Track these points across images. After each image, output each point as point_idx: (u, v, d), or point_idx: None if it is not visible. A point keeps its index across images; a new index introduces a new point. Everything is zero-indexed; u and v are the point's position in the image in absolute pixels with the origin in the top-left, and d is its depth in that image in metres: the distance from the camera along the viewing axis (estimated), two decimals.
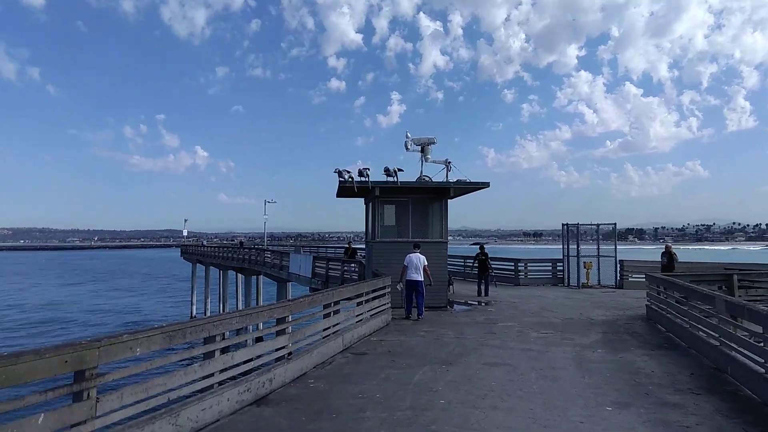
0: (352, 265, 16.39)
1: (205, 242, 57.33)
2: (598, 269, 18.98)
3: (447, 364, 7.28)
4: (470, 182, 13.16)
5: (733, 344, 6.64)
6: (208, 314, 33.50)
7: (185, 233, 68.45)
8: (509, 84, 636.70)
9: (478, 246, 16.72)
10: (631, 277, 18.67)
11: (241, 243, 48.38)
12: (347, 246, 21.03)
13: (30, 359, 3.28)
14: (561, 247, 19.72)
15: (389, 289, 11.00)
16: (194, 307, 37.10)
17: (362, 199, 15.01)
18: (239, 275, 33.89)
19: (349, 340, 8.47)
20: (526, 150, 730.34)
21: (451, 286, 15.67)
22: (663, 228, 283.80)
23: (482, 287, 15.92)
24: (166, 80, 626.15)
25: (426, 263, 11.31)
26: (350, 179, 12.67)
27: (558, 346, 8.60)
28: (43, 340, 25.99)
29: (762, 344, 5.73)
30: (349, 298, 8.95)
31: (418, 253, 11.41)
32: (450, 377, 6.59)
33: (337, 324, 8.15)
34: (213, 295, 37.12)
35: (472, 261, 17.55)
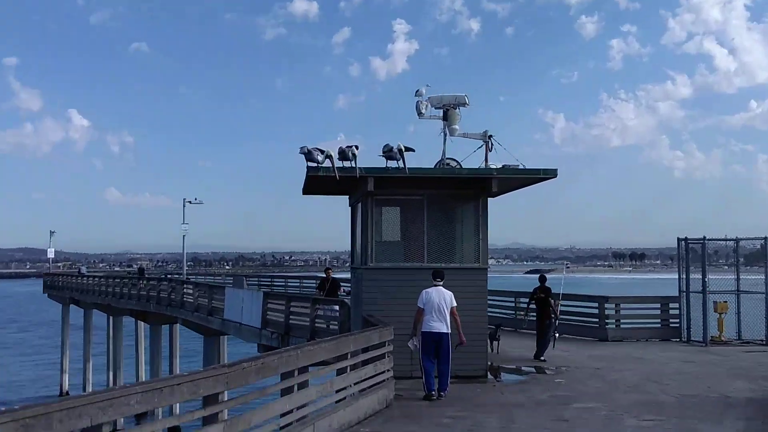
0: (335, 307, 16.40)
1: (84, 269, 57.37)
2: (738, 313, 19.06)
3: None
4: (525, 169, 13.22)
5: None
6: (90, 389, 33.35)
7: (51, 254, 68.44)
8: (589, 7, 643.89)
9: (538, 277, 16.73)
10: None
11: (141, 270, 48.52)
12: (323, 276, 21.08)
13: None
14: (676, 277, 19.79)
15: (391, 347, 11.01)
16: (66, 377, 37.19)
17: (346, 198, 15.05)
18: (141, 323, 33.89)
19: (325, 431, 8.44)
20: (618, 116, 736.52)
21: (495, 342, 15.67)
22: None
23: (546, 343, 15.93)
24: (19, 1, 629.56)
25: (455, 304, 11.31)
26: (327, 158, 12.62)
27: None
28: None
29: None
30: (324, 363, 8.95)
31: (441, 288, 11.42)
32: None
33: (305, 406, 8.14)
34: (98, 357, 37.03)
35: (527, 301, 17.60)
